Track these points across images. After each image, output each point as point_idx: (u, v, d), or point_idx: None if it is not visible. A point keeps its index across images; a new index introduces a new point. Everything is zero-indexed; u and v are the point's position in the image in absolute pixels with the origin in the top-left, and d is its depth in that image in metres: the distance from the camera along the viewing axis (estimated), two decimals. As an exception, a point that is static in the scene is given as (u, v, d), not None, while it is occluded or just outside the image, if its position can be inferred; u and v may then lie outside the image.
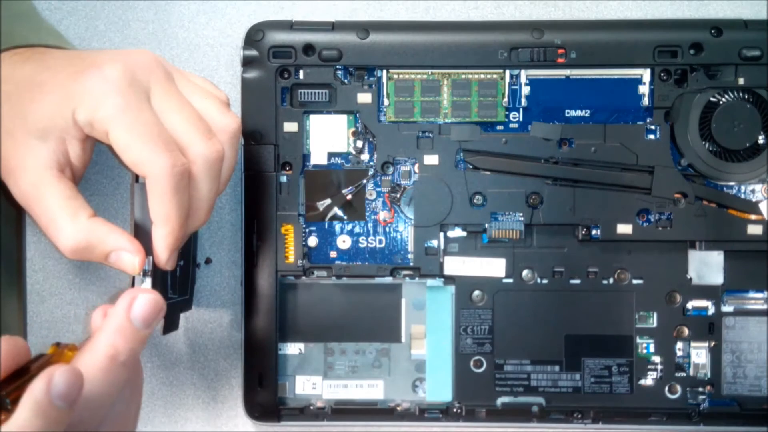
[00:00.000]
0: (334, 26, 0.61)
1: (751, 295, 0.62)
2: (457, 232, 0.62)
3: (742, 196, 0.62)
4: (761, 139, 0.60)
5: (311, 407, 0.63)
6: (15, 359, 0.40)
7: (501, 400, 0.62)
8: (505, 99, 0.62)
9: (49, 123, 0.47)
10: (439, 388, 0.62)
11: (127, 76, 0.47)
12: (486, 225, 0.61)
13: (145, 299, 0.44)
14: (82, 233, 0.47)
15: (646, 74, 0.61)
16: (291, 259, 0.62)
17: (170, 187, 0.46)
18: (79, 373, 0.39)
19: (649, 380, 0.62)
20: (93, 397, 0.41)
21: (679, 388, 0.62)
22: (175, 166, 0.46)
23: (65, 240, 0.47)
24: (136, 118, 0.46)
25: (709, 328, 0.62)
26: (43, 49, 0.52)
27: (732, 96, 0.60)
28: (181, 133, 0.48)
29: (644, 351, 0.62)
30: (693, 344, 0.62)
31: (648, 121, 0.61)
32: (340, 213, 0.62)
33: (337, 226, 0.62)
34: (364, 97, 0.61)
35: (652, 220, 0.61)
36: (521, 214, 0.61)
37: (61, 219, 0.47)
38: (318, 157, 0.62)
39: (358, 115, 0.62)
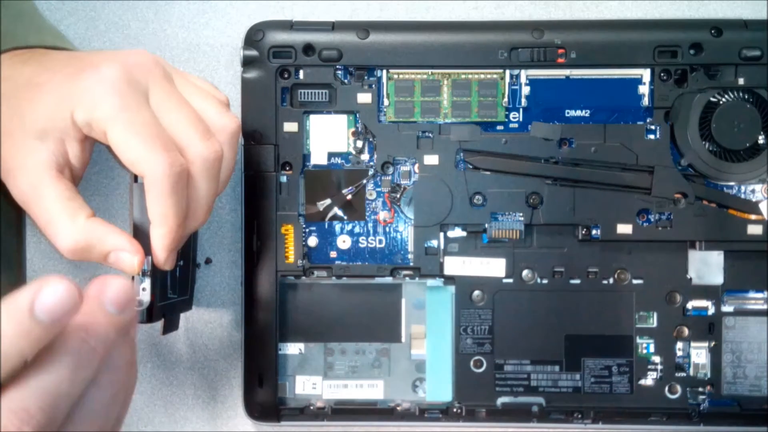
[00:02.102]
0: (334, 26, 0.61)
1: (751, 295, 0.62)
2: (457, 232, 0.62)
3: (742, 196, 0.62)
4: (761, 139, 0.60)
5: (311, 407, 0.63)
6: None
7: (501, 400, 0.62)
8: (505, 99, 0.62)
9: (47, 123, 0.47)
10: (439, 388, 0.62)
11: (124, 76, 0.47)
12: (486, 225, 0.61)
13: (115, 284, 0.39)
14: (81, 233, 0.47)
15: (646, 74, 0.61)
16: (291, 259, 0.62)
17: (168, 187, 0.46)
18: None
19: (649, 380, 0.62)
20: (60, 379, 0.39)
21: (679, 388, 0.62)
22: (173, 165, 0.46)
23: (64, 240, 0.47)
24: (133, 118, 0.46)
25: (709, 328, 0.62)
26: (43, 50, 0.52)
27: (732, 96, 0.60)
28: (179, 133, 0.47)
29: (644, 351, 0.62)
30: (693, 344, 0.62)
31: (648, 121, 0.61)
32: (340, 213, 0.62)
33: (337, 226, 0.62)
34: (364, 97, 0.61)
35: (652, 220, 0.61)
36: (521, 214, 0.61)
37: (60, 219, 0.47)
38: (318, 157, 0.62)
39: (358, 115, 0.62)
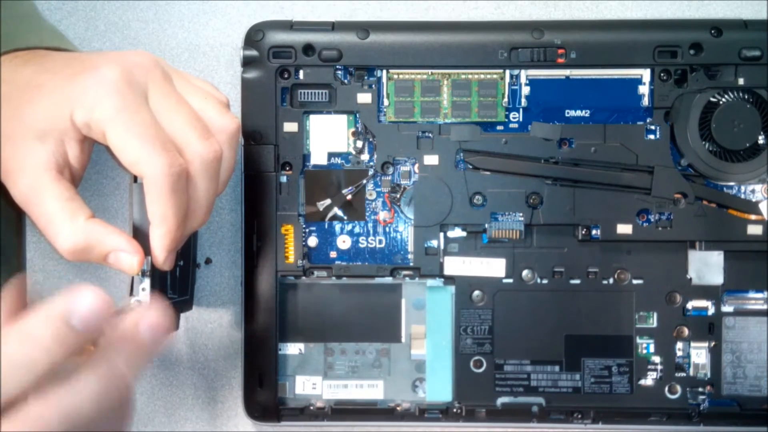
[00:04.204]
0: (334, 26, 0.61)
1: (751, 295, 0.62)
2: (457, 232, 0.62)
3: (742, 196, 0.62)
4: (761, 139, 0.60)
5: (311, 407, 0.63)
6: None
7: (501, 400, 0.62)
8: (505, 99, 0.62)
9: (47, 124, 0.47)
10: (439, 388, 0.62)
11: (124, 77, 0.46)
12: (486, 225, 0.61)
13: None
14: (81, 234, 0.47)
15: (646, 74, 0.61)
16: (291, 259, 0.62)
17: (167, 188, 0.46)
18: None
19: (649, 380, 0.62)
20: (84, 399, 0.38)
21: (679, 388, 0.62)
22: (172, 166, 0.46)
23: (63, 241, 0.47)
24: (132, 119, 0.46)
25: (709, 328, 0.62)
26: (43, 51, 0.52)
27: (732, 96, 0.60)
28: (178, 134, 0.47)
29: (644, 351, 0.62)
30: (693, 344, 0.62)
31: (648, 121, 0.61)
32: (340, 213, 0.62)
33: (337, 226, 0.62)
34: (364, 97, 0.61)
35: (652, 220, 0.61)
36: (521, 214, 0.61)
37: (60, 220, 0.47)
38: (318, 157, 0.62)
39: (358, 115, 0.62)
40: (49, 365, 0.36)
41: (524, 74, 0.62)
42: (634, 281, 0.62)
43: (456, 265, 0.62)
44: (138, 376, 0.40)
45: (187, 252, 0.58)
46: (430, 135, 0.62)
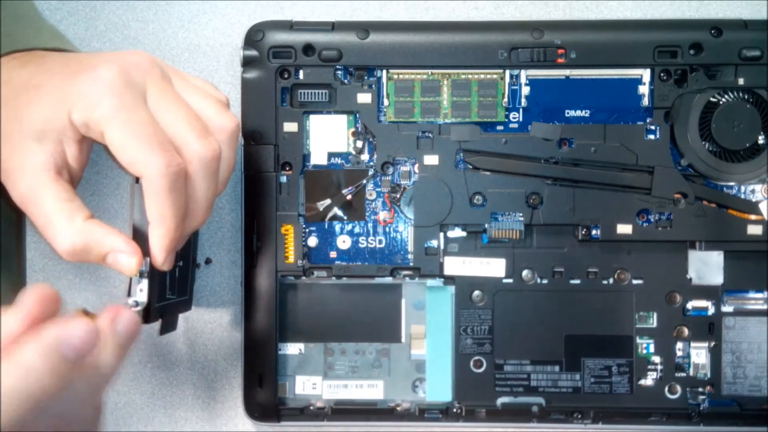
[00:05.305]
0: (334, 26, 0.61)
1: (751, 295, 0.62)
2: (457, 232, 0.62)
3: (742, 196, 0.62)
4: (761, 139, 0.60)
5: (311, 407, 0.63)
6: (46, 307, 0.39)
7: (501, 400, 0.62)
8: (505, 99, 0.62)
9: (45, 125, 0.47)
10: (439, 388, 0.62)
11: (122, 77, 0.46)
12: (486, 225, 0.61)
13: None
14: (79, 235, 0.47)
15: (646, 74, 0.61)
16: (291, 259, 0.62)
17: (166, 187, 0.46)
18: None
19: (649, 380, 0.62)
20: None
21: (679, 388, 0.62)
22: (170, 165, 0.46)
23: (62, 242, 0.47)
24: (130, 118, 0.46)
25: (709, 328, 0.62)
26: (42, 52, 0.52)
27: (732, 96, 0.60)
28: (176, 133, 0.47)
29: (644, 351, 0.62)
30: (693, 344, 0.62)
31: (648, 121, 0.61)
32: (340, 213, 0.62)
33: (337, 226, 0.62)
34: (364, 97, 0.61)
35: (652, 220, 0.61)
36: (521, 214, 0.61)
37: (58, 221, 0.47)
38: (318, 157, 0.62)
39: (358, 115, 0.62)
40: (42, 394, 0.37)
41: (524, 74, 0.62)
42: (634, 281, 0.62)
43: (456, 265, 0.62)
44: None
45: (186, 252, 0.58)
46: (430, 135, 0.62)
